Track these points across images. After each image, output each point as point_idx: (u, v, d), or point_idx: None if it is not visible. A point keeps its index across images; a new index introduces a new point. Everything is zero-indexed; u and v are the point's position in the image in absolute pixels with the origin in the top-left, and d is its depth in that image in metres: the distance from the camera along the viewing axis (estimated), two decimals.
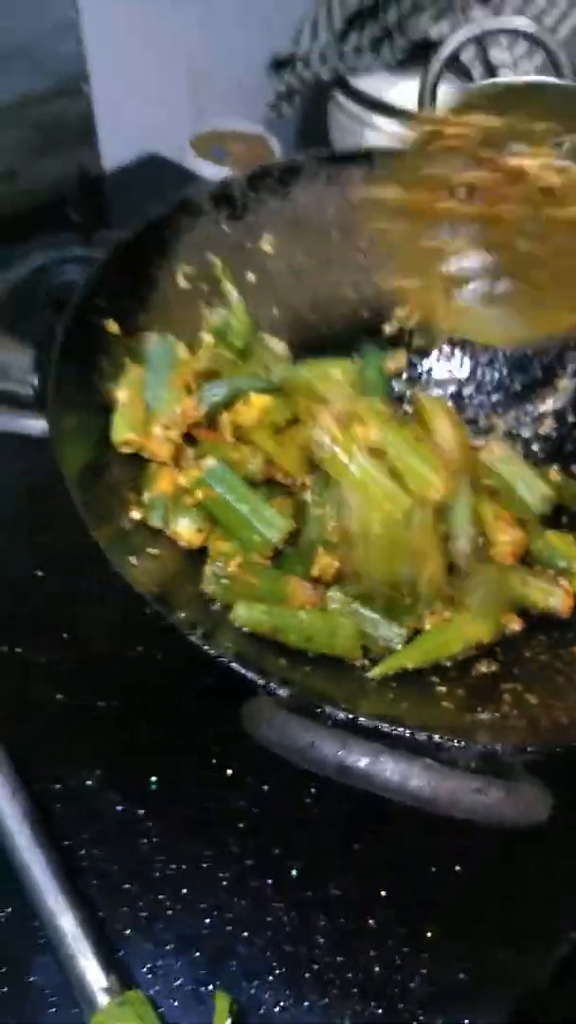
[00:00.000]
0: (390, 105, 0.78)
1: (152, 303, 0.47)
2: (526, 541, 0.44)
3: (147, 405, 0.42)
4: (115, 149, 0.85)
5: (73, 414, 0.41)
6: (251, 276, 0.51)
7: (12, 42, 0.73)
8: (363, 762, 0.26)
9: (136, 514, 0.40)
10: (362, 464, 0.39)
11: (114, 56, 0.80)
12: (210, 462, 0.40)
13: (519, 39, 0.70)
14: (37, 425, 0.59)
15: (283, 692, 0.29)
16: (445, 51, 0.58)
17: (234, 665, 0.31)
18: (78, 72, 0.79)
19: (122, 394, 0.42)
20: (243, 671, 0.31)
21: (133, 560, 0.37)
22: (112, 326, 0.44)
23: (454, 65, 0.77)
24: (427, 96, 0.67)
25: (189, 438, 0.43)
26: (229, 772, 0.45)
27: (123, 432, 0.41)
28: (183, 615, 0.34)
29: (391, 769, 0.26)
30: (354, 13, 0.78)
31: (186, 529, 0.40)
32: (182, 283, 0.49)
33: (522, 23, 0.58)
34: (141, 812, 0.44)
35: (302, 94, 0.85)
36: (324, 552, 0.40)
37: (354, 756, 0.26)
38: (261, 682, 0.30)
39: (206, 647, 0.32)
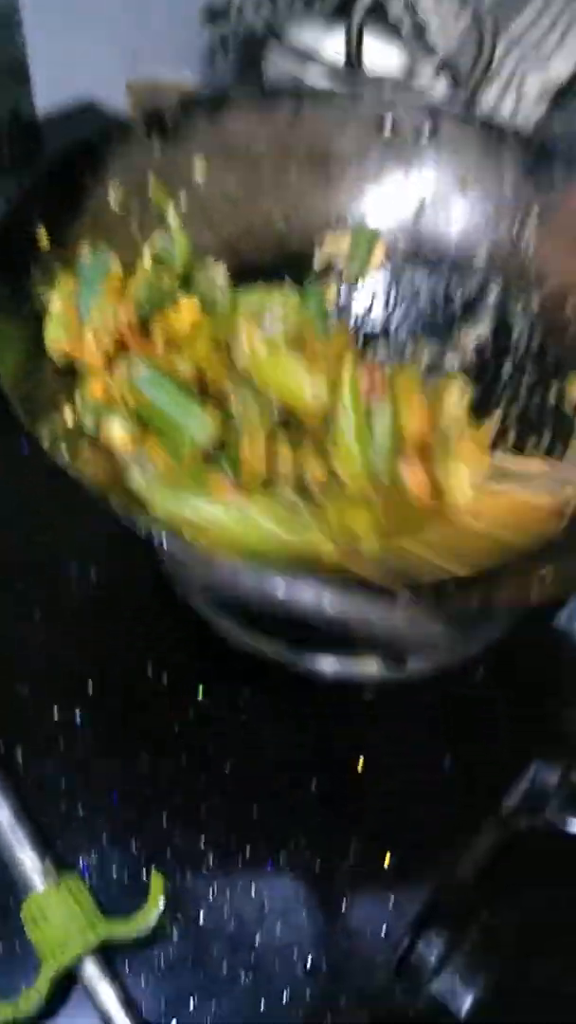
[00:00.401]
0: (322, 57, 0.80)
1: (84, 221, 0.48)
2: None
3: (79, 315, 0.43)
4: (49, 93, 0.85)
5: (7, 321, 0.42)
6: (183, 200, 0.52)
7: None
8: (279, 589, 0.27)
9: (69, 417, 0.41)
10: (283, 362, 0.40)
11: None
12: (141, 368, 0.41)
13: None
14: None
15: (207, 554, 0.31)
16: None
17: (164, 537, 0.32)
18: (10, 13, 0.78)
19: (55, 303, 0.43)
20: (170, 542, 0.32)
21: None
22: (43, 237, 0.45)
23: (383, 21, 0.79)
24: (352, 47, 0.69)
25: (122, 348, 0.44)
26: (165, 680, 0.47)
27: (55, 335, 0.42)
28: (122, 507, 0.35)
29: (305, 594, 0.27)
30: None
31: (118, 433, 0.41)
32: (114, 204, 0.49)
33: None
34: (76, 715, 0.45)
35: (236, 45, 0.85)
36: (249, 457, 0.41)
37: (271, 585, 0.28)
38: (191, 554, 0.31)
39: (143, 524, 0.33)
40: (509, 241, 0.55)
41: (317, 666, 0.46)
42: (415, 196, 0.56)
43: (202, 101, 0.52)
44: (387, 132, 0.55)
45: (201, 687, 0.46)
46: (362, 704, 0.46)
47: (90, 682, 0.46)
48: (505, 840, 0.44)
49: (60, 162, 0.47)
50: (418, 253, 0.56)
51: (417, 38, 0.78)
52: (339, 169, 0.56)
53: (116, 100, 0.88)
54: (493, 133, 0.54)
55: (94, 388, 0.42)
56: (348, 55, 0.69)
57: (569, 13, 0.76)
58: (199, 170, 0.52)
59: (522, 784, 0.45)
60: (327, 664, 0.46)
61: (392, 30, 0.77)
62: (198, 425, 0.40)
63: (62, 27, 0.82)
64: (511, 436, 0.51)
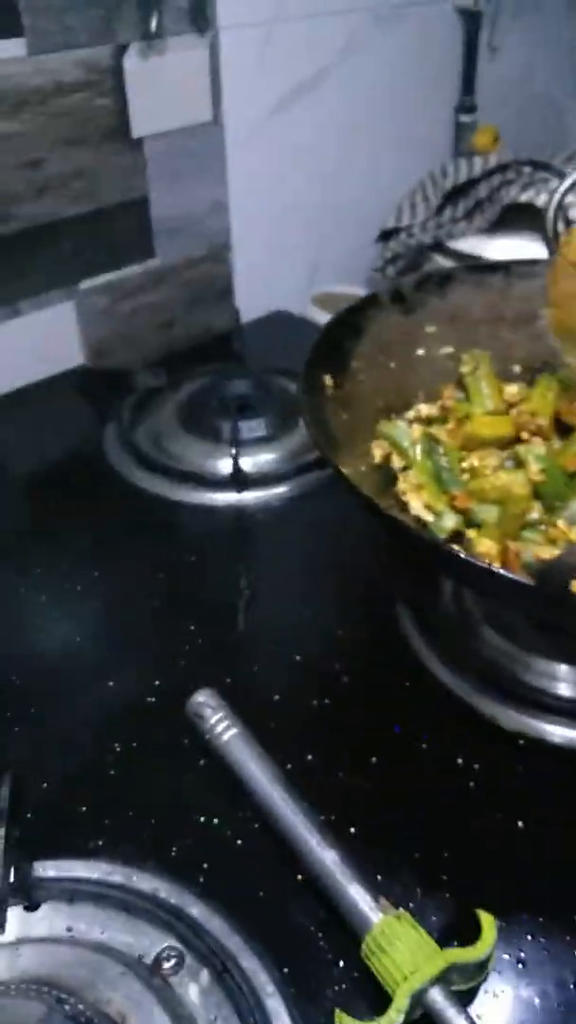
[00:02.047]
0: (483, 259, 0.94)
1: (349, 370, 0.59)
2: None
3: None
4: (251, 305, 1.02)
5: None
6: (420, 351, 0.63)
7: (177, 217, 0.91)
8: None
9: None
10: None
11: (252, 232, 0.98)
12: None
13: None
14: (224, 498, 0.71)
15: None
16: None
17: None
18: (224, 243, 0.97)
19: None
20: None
21: None
22: (328, 380, 0.56)
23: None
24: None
25: None
26: (427, 747, 0.51)
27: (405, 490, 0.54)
28: None
29: None
30: (450, 191, 0.96)
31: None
32: (370, 356, 0.61)
33: None
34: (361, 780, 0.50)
35: (405, 258, 1.02)
36: None
37: None
38: None
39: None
40: None
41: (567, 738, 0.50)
42: None
43: (432, 279, 0.64)
44: None
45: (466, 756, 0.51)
46: None
47: (373, 755, 0.51)
48: None
49: (331, 327, 0.59)
50: None
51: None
52: (538, 326, 0.66)
53: (302, 306, 1.04)
54: None
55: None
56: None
57: None
58: (430, 330, 0.64)
59: None
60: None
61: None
62: None
63: (261, 255, 1.01)
64: None
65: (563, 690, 0.52)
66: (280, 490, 0.72)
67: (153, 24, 0.79)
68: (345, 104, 1.01)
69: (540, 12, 1.19)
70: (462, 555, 0.41)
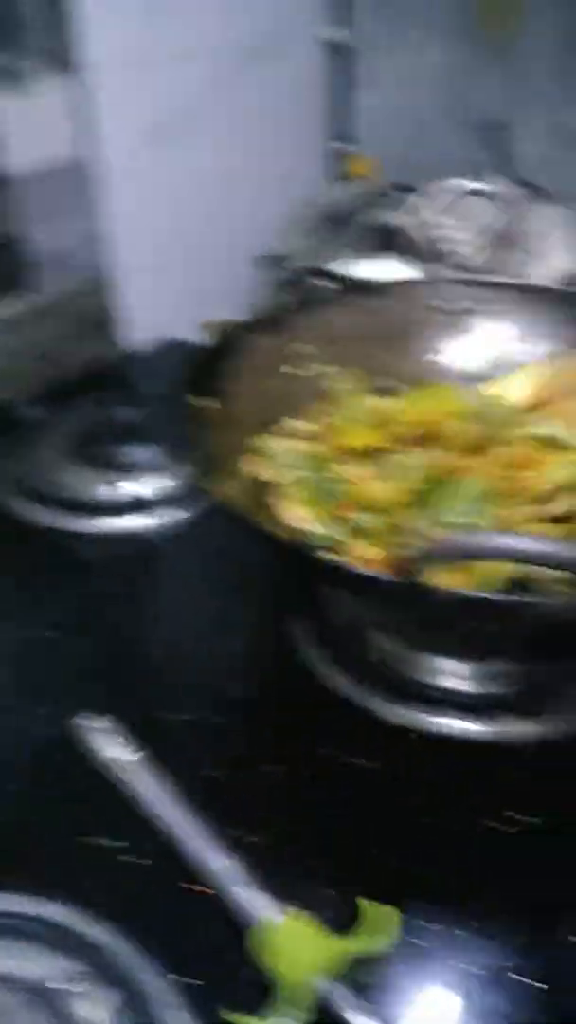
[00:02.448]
0: (355, 280, 0.98)
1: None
2: None
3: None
4: (139, 334, 1.03)
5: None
6: (296, 371, 0.65)
7: (54, 252, 0.92)
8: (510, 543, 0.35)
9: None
10: None
11: (136, 263, 0.99)
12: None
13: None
14: (118, 524, 0.72)
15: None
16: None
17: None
18: (104, 276, 0.98)
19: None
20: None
21: None
22: (206, 403, 0.57)
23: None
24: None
25: None
26: (321, 749, 0.53)
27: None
28: None
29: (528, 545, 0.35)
30: (326, 217, 1.00)
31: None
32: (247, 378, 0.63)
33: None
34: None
35: (287, 283, 1.04)
36: None
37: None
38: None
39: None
40: None
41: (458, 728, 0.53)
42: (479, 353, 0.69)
43: (306, 298, 0.67)
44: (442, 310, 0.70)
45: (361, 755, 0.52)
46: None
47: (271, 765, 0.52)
48: None
49: (208, 353, 0.60)
50: None
51: (436, 258, 0.96)
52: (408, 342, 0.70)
53: (190, 333, 1.06)
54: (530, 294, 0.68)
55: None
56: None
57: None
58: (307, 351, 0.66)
59: None
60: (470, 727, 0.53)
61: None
62: None
63: (146, 286, 1.02)
64: None
65: (447, 683, 0.54)
66: (174, 514, 0.73)
67: (17, 65, 0.80)
68: (220, 137, 1.03)
69: (412, 45, 1.24)
70: (325, 558, 0.42)
